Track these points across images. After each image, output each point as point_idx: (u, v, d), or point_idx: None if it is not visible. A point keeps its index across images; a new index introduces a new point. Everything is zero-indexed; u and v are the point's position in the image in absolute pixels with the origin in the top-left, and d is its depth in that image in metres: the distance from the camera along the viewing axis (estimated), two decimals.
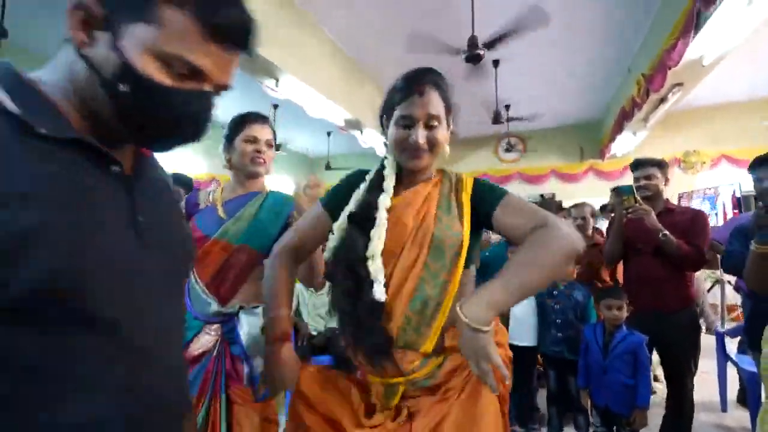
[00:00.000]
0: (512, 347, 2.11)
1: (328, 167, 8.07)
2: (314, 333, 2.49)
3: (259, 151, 1.19)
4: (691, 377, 1.83)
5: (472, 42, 2.90)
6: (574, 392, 1.97)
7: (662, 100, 4.07)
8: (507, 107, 6.30)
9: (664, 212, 1.89)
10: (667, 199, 1.98)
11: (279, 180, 8.54)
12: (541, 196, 7.30)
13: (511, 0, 3.09)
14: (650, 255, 1.85)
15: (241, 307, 1.12)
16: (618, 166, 6.94)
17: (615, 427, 1.75)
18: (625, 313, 1.77)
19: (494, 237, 2.68)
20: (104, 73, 0.42)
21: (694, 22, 2.62)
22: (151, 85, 0.42)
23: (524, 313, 2.14)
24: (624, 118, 5.00)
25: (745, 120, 6.06)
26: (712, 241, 3.49)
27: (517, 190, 7.70)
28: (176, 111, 0.45)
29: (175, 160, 6.06)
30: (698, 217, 1.87)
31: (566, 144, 7.39)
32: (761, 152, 5.60)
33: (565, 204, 6.92)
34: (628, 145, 6.00)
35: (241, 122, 1.22)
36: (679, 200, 6.48)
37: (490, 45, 2.99)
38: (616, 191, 2.17)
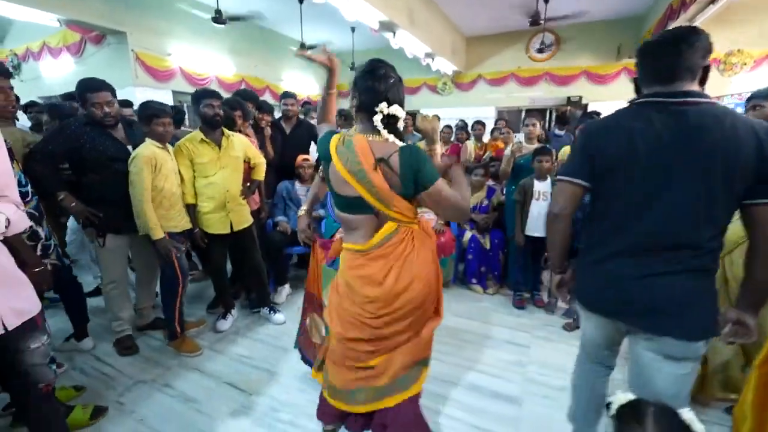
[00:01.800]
0: (529, 238, 2.74)
1: (352, 67, 7.95)
2: (292, 230, 2.95)
3: None
4: None
5: None
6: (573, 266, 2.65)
7: (712, 0, 3.91)
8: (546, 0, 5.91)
9: None
10: None
11: (302, 80, 8.50)
12: (568, 98, 7.26)
13: None
14: None
15: None
16: None
17: None
18: None
19: (526, 148, 3.08)
20: None
21: None
22: None
23: (542, 212, 2.69)
24: (669, 17, 4.78)
25: None
26: None
27: (543, 91, 7.63)
28: None
29: (209, 62, 6.16)
30: None
31: (604, 41, 7.01)
32: None
33: (591, 108, 6.97)
34: None
35: None
36: None
37: None
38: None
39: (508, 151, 3.12)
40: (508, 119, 5.48)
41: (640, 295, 1.06)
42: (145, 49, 5.24)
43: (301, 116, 3.79)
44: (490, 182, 3.46)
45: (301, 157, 3.22)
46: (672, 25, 4.90)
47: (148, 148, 2.00)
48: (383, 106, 1.14)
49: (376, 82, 1.14)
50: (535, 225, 2.72)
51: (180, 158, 2.24)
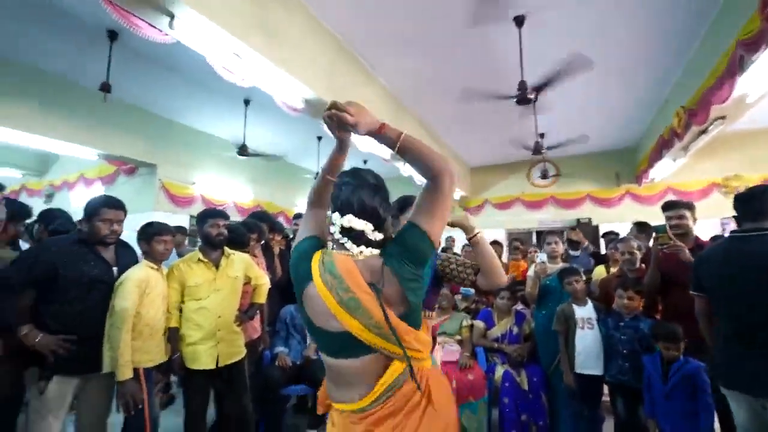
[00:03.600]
0: (580, 376, 2.24)
1: None
2: (292, 363, 2.57)
3: None
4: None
5: (522, 86, 3.15)
6: (644, 421, 2.06)
7: (703, 131, 4.17)
8: (542, 135, 6.48)
9: (695, 248, 2.03)
10: (697, 236, 2.14)
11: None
12: (578, 220, 7.32)
13: (556, 48, 3.38)
14: (684, 287, 1.88)
15: None
16: (655, 191, 6.92)
17: None
18: (681, 349, 1.84)
19: (550, 267, 2.81)
20: None
21: (737, 65, 2.78)
22: None
23: (591, 344, 2.26)
24: (663, 146, 5.08)
25: None
26: None
27: (551, 214, 7.77)
28: None
29: (229, 189, 6.54)
30: None
31: (601, 169, 7.44)
32: None
33: (602, 228, 6.96)
34: (666, 170, 6.03)
35: (406, 204, 1.44)
36: (722, 227, 6.38)
37: (539, 89, 3.23)
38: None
39: (531, 272, 2.85)
40: (522, 240, 5.38)
41: (758, 371, 1.41)
42: (172, 178, 5.62)
43: None
44: (519, 306, 3.09)
45: None
46: (666, 154, 5.17)
47: (142, 270, 1.80)
48: (335, 216, 0.94)
49: (336, 189, 0.98)
50: (585, 360, 2.25)
51: (170, 281, 2.01)
